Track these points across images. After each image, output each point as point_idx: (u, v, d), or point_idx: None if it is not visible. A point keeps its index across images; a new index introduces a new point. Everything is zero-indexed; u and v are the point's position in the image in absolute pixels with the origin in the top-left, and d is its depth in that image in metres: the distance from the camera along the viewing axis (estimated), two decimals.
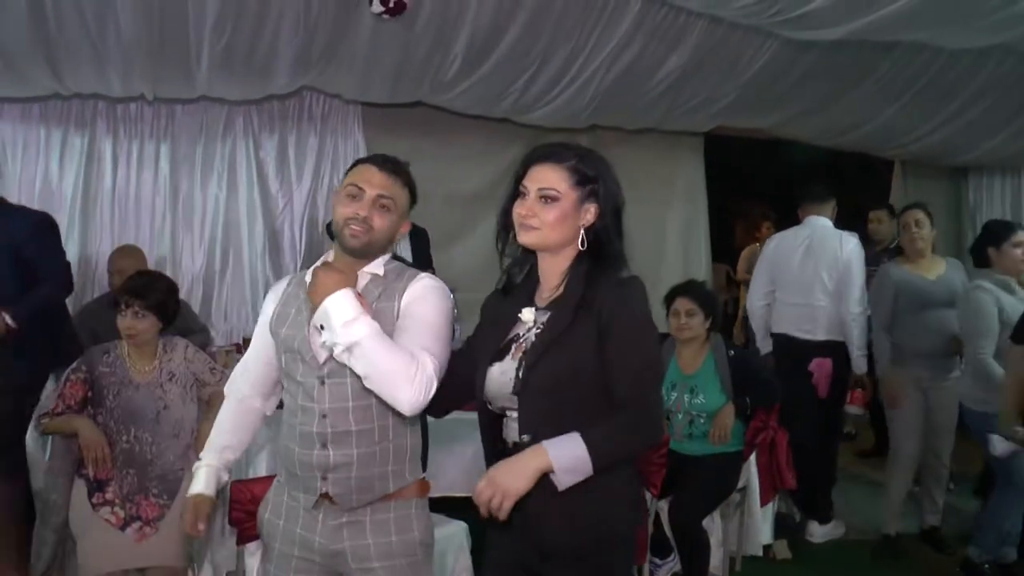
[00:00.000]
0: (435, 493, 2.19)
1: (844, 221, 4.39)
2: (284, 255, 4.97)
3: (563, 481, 1.59)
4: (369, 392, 1.74)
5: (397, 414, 1.78)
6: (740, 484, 3.54)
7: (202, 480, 2.00)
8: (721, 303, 6.33)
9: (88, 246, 4.58)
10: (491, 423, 1.78)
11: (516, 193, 1.76)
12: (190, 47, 3.85)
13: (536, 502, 1.60)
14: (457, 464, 3.19)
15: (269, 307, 1.97)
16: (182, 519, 2.07)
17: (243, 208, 4.88)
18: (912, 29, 3.84)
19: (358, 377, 1.72)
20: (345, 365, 1.72)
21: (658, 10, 4.19)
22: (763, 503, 3.68)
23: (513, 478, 1.58)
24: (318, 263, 1.85)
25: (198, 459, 2.05)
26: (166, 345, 2.85)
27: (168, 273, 3.62)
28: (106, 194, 4.62)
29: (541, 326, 1.73)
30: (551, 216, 1.70)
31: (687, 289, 3.51)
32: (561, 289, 1.74)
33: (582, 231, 1.74)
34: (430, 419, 2.18)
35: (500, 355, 1.76)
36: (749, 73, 4.72)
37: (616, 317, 1.65)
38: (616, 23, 4.22)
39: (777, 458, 3.60)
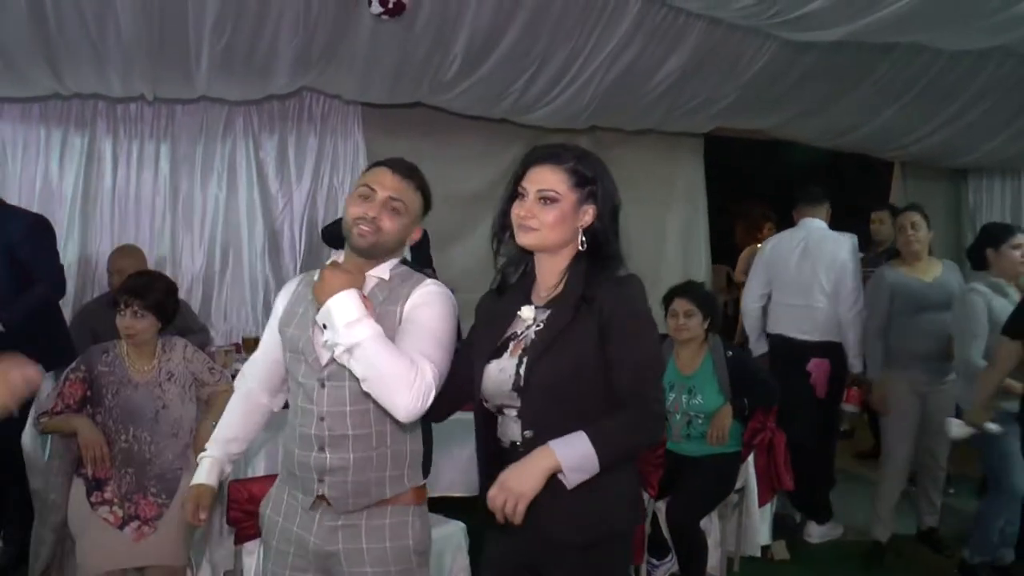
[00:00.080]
0: (434, 493, 2.19)
1: (845, 222, 4.39)
2: (284, 255, 4.98)
3: (571, 480, 1.61)
4: (367, 397, 1.73)
5: (396, 420, 1.78)
6: (738, 485, 3.55)
7: (204, 470, 2.01)
8: (721, 304, 6.33)
9: (88, 246, 4.58)
10: (487, 421, 1.79)
11: (514, 194, 1.77)
12: (190, 47, 3.85)
13: (540, 500, 1.61)
14: (455, 464, 3.20)
15: (280, 305, 1.98)
16: (183, 508, 2.08)
17: (243, 208, 4.89)
18: (911, 31, 3.85)
19: (357, 381, 1.71)
20: (345, 368, 1.72)
21: (657, 11, 4.20)
22: (761, 504, 3.68)
23: (524, 480, 1.59)
24: (327, 262, 1.85)
25: (203, 451, 2.06)
26: (165, 345, 2.85)
27: (168, 273, 3.63)
28: (106, 194, 4.63)
29: (541, 324, 1.74)
30: (550, 217, 1.71)
31: (686, 290, 3.52)
32: (560, 287, 1.75)
33: (581, 232, 1.75)
34: None
35: (498, 353, 1.77)
36: (748, 74, 4.73)
37: (617, 314, 1.67)
38: (615, 24, 4.22)
39: (775, 459, 3.60)
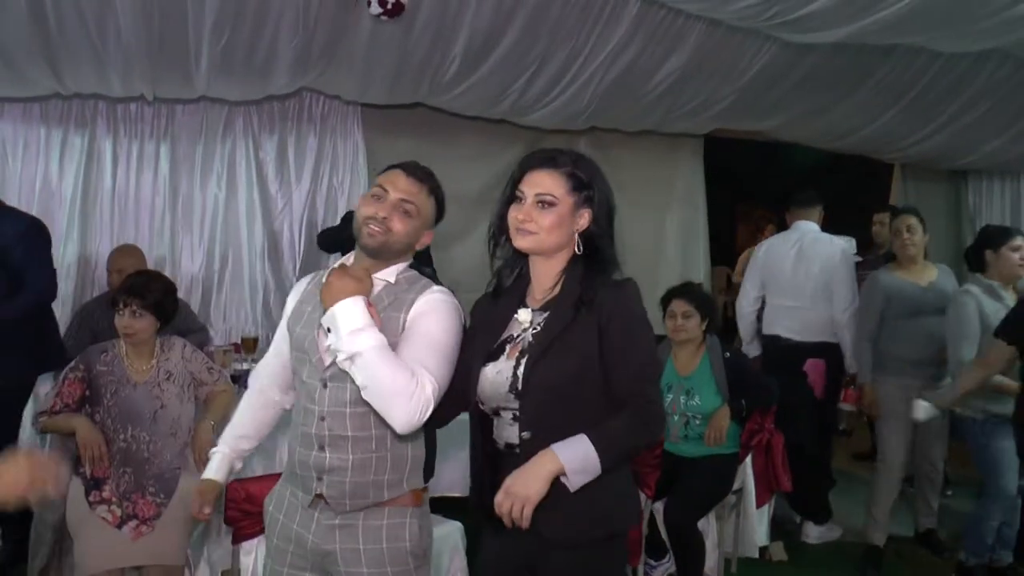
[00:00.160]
0: (432, 494, 2.19)
1: (846, 224, 4.40)
2: (283, 255, 4.98)
3: (574, 482, 1.62)
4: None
5: None
6: (736, 486, 3.55)
7: (214, 466, 2.03)
8: (722, 305, 6.34)
9: (88, 246, 4.59)
10: (482, 424, 1.80)
11: (512, 197, 1.78)
12: (190, 47, 3.85)
13: (539, 501, 1.62)
14: (453, 465, 3.20)
15: (291, 303, 2.00)
16: (189, 503, 2.09)
17: (242, 208, 4.89)
18: (910, 32, 3.85)
19: None
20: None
21: (656, 12, 4.19)
22: (759, 505, 3.68)
23: (530, 485, 1.60)
24: (335, 264, 1.86)
25: (208, 453, 2.07)
26: (164, 344, 2.86)
27: (167, 273, 3.63)
28: (106, 194, 4.63)
29: (538, 326, 1.75)
30: (548, 221, 1.73)
31: (684, 291, 3.52)
32: (557, 290, 1.77)
33: (577, 235, 1.76)
34: None
35: (494, 355, 1.77)
36: (748, 76, 4.73)
37: (615, 316, 1.68)
38: (615, 25, 4.22)
39: (773, 460, 3.60)
